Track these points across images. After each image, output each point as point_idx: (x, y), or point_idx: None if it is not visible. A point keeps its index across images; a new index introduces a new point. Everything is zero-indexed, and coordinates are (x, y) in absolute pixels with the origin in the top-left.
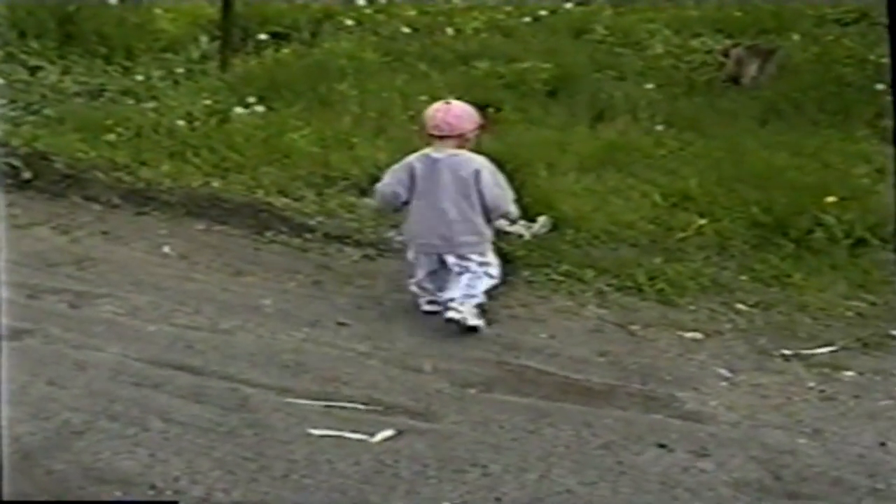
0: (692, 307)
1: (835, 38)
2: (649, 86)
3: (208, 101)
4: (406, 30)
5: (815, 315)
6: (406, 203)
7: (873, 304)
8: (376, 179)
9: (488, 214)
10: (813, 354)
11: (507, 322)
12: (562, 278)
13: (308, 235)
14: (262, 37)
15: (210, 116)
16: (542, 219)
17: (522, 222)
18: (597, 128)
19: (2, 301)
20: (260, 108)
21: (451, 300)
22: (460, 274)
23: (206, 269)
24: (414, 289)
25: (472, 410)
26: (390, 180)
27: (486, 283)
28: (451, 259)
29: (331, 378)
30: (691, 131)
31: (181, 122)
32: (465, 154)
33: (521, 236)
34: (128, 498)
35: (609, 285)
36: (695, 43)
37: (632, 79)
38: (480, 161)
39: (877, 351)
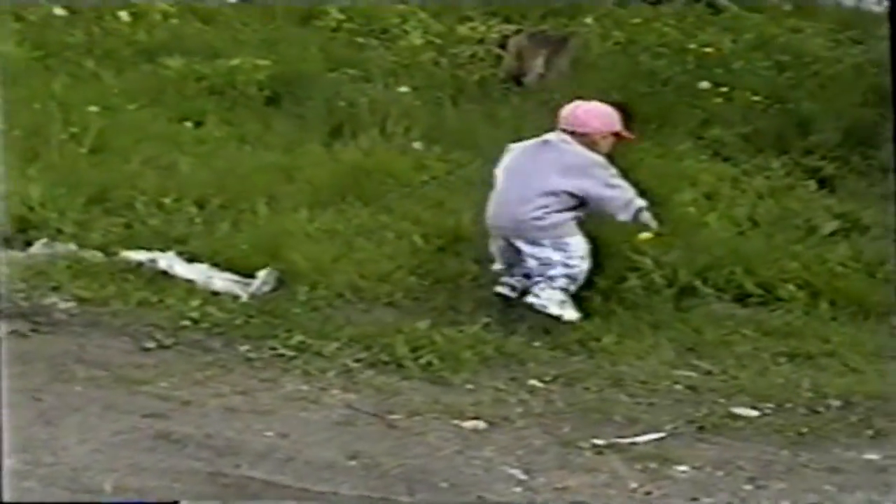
0: (471, 386)
1: (643, 22)
2: (403, 89)
3: None
4: (61, 13)
5: (633, 391)
6: None
7: (708, 373)
8: (27, 224)
9: (578, 207)
10: (633, 444)
11: (219, 417)
12: (294, 353)
13: None
14: None
15: None
16: (263, 273)
17: (237, 278)
18: (334, 146)
19: None
20: None
21: (533, 284)
22: (532, 259)
23: None
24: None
25: None
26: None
27: (562, 272)
28: (522, 245)
29: None
30: (461, 149)
31: None
32: (579, 147)
33: (236, 297)
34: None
35: (359, 361)
36: (462, 30)
37: (380, 79)
38: (591, 157)
39: (717, 436)
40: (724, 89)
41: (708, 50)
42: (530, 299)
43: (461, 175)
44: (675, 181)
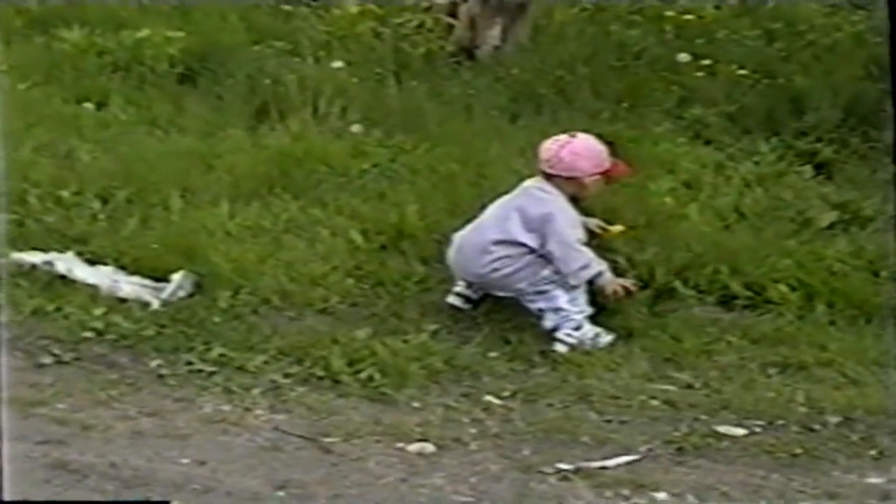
0: (417, 404)
1: None
2: (338, 64)
3: None
4: None
5: (602, 408)
6: None
7: (688, 386)
8: None
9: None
10: (603, 468)
11: (126, 442)
12: (213, 369)
13: None
14: None
15: None
16: (177, 277)
17: (147, 283)
18: (259, 131)
19: None
20: None
21: (553, 331)
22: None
23: None
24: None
25: None
26: None
27: (563, 316)
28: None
29: None
30: (405, 133)
31: None
32: (549, 198)
33: (146, 305)
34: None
35: (288, 376)
36: None
37: (311, 53)
38: (555, 210)
39: (698, 458)
40: (706, 62)
41: (688, 17)
42: (559, 347)
43: (405, 162)
44: (651, 167)
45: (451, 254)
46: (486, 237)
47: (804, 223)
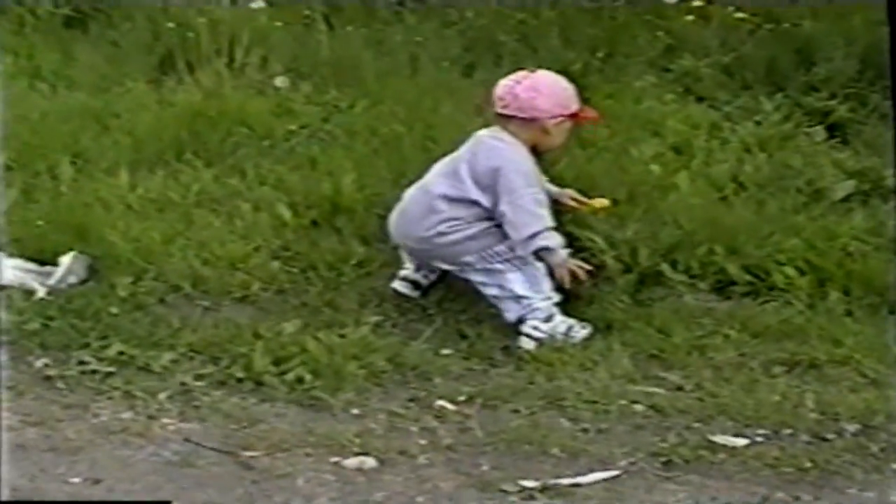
0: (356, 411)
1: None
2: (257, 5)
3: None
4: None
5: (577, 414)
6: None
7: (678, 388)
8: None
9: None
10: (577, 486)
11: (7, 455)
12: (111, 369)
13: None
14: None
15: None
16: (67, 259)
17: (31, 267)
18: (164, 84)
19: None
20: None
21: (518, 323)
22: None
23: None
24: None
25: None
26: None
27: (525, 307)
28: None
29: None
30: (339, 88)
31: None
32: (509, 142)
33: (30, 293)
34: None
35: (202, 377)
36: None
37: None
38: (507, 163)
39: (689, 473)
40: (697, 3)
41: None
42: (525, 343)
43: (340, 123)
44: (633, 129)
45: (393, 216)
46: (434, 192)
47: (815, 195)
